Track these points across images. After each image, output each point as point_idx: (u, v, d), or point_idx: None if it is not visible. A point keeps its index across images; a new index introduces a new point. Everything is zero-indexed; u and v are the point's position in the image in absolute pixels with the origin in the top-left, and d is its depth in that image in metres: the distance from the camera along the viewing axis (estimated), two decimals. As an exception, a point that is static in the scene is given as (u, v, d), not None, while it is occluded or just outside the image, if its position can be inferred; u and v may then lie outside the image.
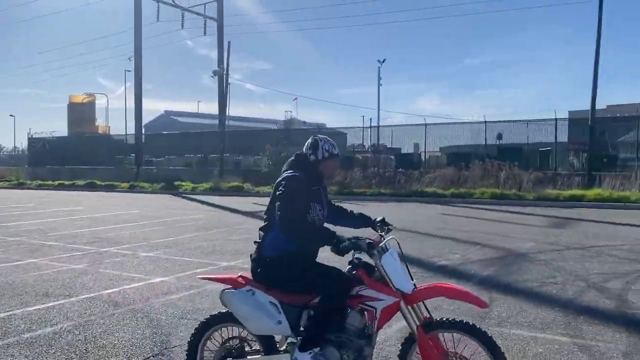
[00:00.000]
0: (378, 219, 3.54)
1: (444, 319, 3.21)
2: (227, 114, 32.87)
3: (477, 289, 6.08)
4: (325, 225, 3.45)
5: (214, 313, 3.58)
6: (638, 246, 9.33)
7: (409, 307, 3.13)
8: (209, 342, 3.54)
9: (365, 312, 3.16)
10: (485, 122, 26.36)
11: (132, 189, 28.33)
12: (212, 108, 74.57)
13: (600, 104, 26.28)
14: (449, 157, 27.33)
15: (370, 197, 21.25)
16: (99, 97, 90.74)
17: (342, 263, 3.30)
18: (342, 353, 3.12)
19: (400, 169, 25.05)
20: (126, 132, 43.31)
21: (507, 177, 21.18)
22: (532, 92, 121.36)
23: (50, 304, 5.81)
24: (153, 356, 4.31)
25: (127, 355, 4.34)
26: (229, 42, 30.37)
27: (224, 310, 3.46)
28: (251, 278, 3.37)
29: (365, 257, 3.25)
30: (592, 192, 18.85)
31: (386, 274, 3.12)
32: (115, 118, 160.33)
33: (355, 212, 3.73)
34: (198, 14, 31.65)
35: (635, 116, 23.26)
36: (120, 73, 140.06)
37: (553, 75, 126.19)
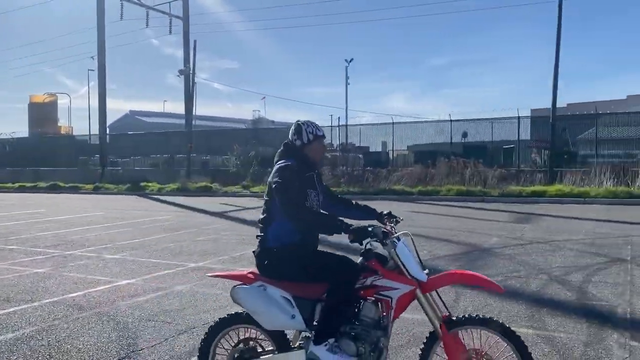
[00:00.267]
0: (385, 212, 3.50)
1: (468, 315, 3.21)
2: (194, 113, 32.54)
3: (444, 285, 6.18)
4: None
5: (222, 316, 3.50)
6: (598, 240, 9.63)
7: (426, 296, 3.13)
8: (219, 348, 3.46)
9: (380, 303, 3.15)
10: (451, 120, 26.79)
11: (96, 191, 27.75)
12: (179, 108, 73.60)
13: (561, 103, 27.05)
14: (416, 156, 27.69)
15: (339, 196, 21.30)
16: (61, 97, 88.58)
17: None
18: (358, 345, 3.08)
19: (368, 168, 25.21)
20: (90, 132, 42.49)
21: (472, 174, 21.58)
22: (497, 91, 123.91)
23: (12, 309, 5.65)
24: (119, 359, 4.25)
25: (92, 359, 4.25)
26: (194, 41, 30.09)
27: (232, 313, 3.44)
28: (260, 274, 3.32)
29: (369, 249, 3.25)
30: (553, 188, 19.38)
31: (401, 262, 3.12)
32: (78, 118, 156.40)
33: (360, 204, 3.70)
34: (163, 12, 31.24)
35: (594, 114, 23.99)
36: (83, 72, 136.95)
37: (517, 74, 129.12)
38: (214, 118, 60.76)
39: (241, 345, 3.42)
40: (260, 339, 3.43)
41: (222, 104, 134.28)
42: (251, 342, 3.43)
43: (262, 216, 3.40)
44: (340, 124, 31.32)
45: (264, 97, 52.77)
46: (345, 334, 3.12)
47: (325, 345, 3.10)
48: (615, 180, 19.19)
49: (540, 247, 8.96)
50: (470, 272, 3.41)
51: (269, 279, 3.27)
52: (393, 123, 28.24)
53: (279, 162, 3.37)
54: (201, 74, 53.03)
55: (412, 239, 3.32)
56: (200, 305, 5.75)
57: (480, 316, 3.17)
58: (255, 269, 3.39)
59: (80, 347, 4.52)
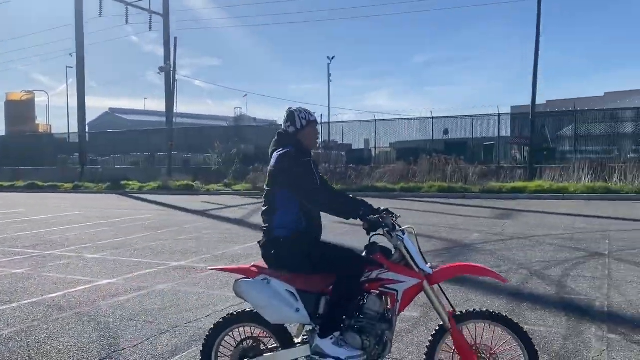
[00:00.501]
0: (382, 208, 3.48)
1: (475, 309, 3.23)
2: (175, 111, 32.27)
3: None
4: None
5: (225, 315, 3.47)
6: (577, 235, 9.79)
7: (432, 289, 3.14)
8: (221, 348, 3.44)
9: (385, 296, 3.14)
10: (432, 117, 26.96)
11: (76, 190, 27.39)
12: (159, 105, 73.01)
13: (540, 100, 27.38)
14: (398, 153, 27.82)
15: (322, 193, 21.32)
16: (39, 95, 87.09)
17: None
18: (363, 338, 3.07)
19: (351, 165, 25.27)
20: (69, 130, 41.92)
21: (453, 171, 21.77)
22: (477, 88, 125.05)
23: (-10, 311, 5.55)
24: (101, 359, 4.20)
25: (73, 359, 4.21)
26: (175, 38, 29.83)
27: (235, 312, 3.42)
28: (263, 267, 3.29)
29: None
30: (533, 184, 19.65)
31: (410, 254, 3.12)
32: (57, 116, 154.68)
33: (358, 198, 3.68)
34: (143, 9, 30.82)
35: (573, 111, 24.35)
36: (61, 69, 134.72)
37: (497, 71, 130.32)
38: (195, 116, 60.36)
39: (244, 344, 3.38)
40: (263, 337, 3.40)
41: (204, 102, 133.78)
42: (254, 341, 3.40)
43: (264, 207, 3.37)
44: (323, 121, 31.29)
45: (246, 95, 52.70)
46: (350, 327, 3.12)
47: (331, 338, 3.09)
48: (594, 176, 19.52)
49: (521, 243, 9.07)
50: (474, 264, 3.43)
51: (273, 271, 3.24)
52: (375, 120, 28.34)
53: (278, 150, 3.34)
54: (182, 71, 52.80)
55: (415, 234, 3.32)
56: (183, 304, 5.72)
57: (488, 310, 3.21)
58: (258, 262, 3.37)
59: (61, 348, 4.46)
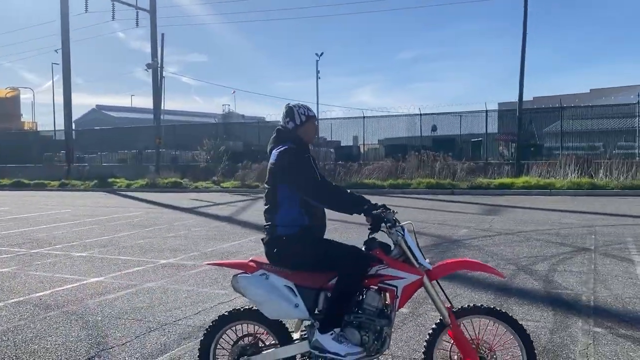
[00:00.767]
0: (379, 204, 3.47)
1: (475, 305, 3.24)
2: (162, 108, 32.05)
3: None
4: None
5: (223, 313, 3.44)
6: (563, 230, 9.89)
7: (432, 284, 3.14)
8: (219, 344, 3.41)
9: (384, 292, 3.14)
10: (421, 114, 27.05)
11: (63, 187, 27.15)
12: (147, 102, 72.46)
13: (527, 96, 27.62)
14: (386, 149, 27.92)
15: (311, 190, 21.34)
16: (24, 92, 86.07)
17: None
18: (362, 334, 3.07)
19: (340, 162, 25.31)
20: (55, 127, 41.42)
21: (441, 167, 21.88)
22: (465, 85, 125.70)
23: (-25, 310, 5.49)
24: (89, 359, 4.17)
25: (61, 359, 4.17)
26: (162, 34, 29.67)
27: (232, 309, 3.40)
28: (262, 262, 3.27)
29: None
30: (520, 180, 19.82)
31: (410, 250, 3.12)
32: (42, 113, 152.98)
33: (355, 194, 3.66)
34: (129, 5, 30.57)
35: (559, 107, 24.55)
36: (46, 66, 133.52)
37: (485, 68, 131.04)
38: (183, 112, 60.01)
39: (242, 341, 3.36)
40: (261, 334, 3.39)
41: (192, 99, 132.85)
42: (252, 338, 3.38)
43: (266, 206, 3.35)
44: (312, 118, 31.28)
45: (234, 91, 52.55)
46: (350, 323, 3.12)
47: (331, 334, 3.09)
48: (580, 171, 19.72)
49: (508, 238, 9.14)
50: (473, 260, 3.45)
51: (271, 266, 3.23)
52: (364, 117, 28.38)
53: (278, 147, 3.32)
54: (169, 67, 52.53)
55: (414, 229, 3.33)
56: (172, 302, 5.69)
57: (488, 306, 3.23)
58: (257, 257, 3.36)
59: (48, 347, 4.43)
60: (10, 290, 6.29)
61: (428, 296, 3.21)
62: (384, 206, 3.41)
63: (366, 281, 3.15)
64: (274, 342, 3.33)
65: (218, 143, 27.94)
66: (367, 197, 3.32)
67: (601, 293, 5.67)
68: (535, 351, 3.15)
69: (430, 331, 3.26)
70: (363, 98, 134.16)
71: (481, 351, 3.14)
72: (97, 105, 68.38)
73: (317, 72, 46.29)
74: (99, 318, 5.17)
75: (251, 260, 3.34)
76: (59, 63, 33.12)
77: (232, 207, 16.32)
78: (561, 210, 13.07)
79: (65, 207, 16.68)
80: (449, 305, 3.22)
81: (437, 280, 3.22)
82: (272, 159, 3.32)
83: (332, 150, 29.40)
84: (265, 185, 3.38)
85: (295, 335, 3.33)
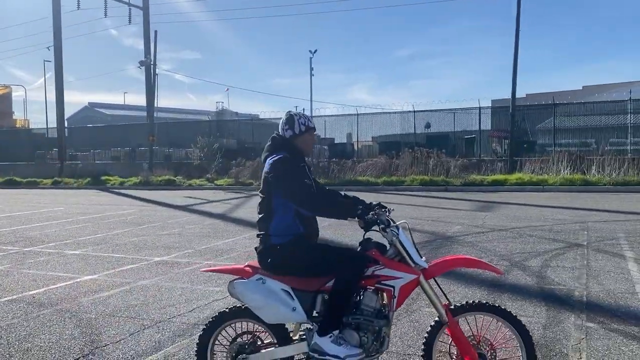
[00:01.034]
0: (375, 203, 3.47)
1: (472, 302, 3.23)
2: (155, 105, 31.95)
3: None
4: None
5: (222, 310, 3.43)
6: (556, 226, 9.94)
7: (429, 283, 3.14)
8: (218, 341, 3.41)
9: (381, 292, 3.13)
10: (414, 111, 27.11)
11: (56, 185, 27.03)
12: (140, 100, 72.12)
13: (520, 93, 27.72)
14: (380, 146, 27.94)
15: (305, 187, 21.34)
16: (16, 89, 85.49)
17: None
18: (360, 335, 3.07)
19: (333, 159, 25.32)
20: (47, 125, 41.25)
21: (435, 164, 21.93)
22: (458, 82, 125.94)
23: (-32, 309, 5.46)
24: (83, 356, 4.16)
25: (55, 357, 4.16)
26: (155, 31, 29.51)
27: (231, 307, 3.39)
28: (258, 266, 3.26)
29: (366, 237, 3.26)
30: (513, 177, 19.91)
31: (405, 249, 3.12)
32: (34, 111, 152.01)
33: (349, 195, 3.66)
34: (122, 1, 30.41)
35: (552, 104, 24.66)
36: (38, 63, 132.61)
37: (478, 65, 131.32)
38: (176, 110, 59.77)
39: (240, 339, 3.35)
40: (259, 332, 3.38)
41: (185, 96, 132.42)
42: (251, 336, 3.37)
43: (260, 215, 3.33)
44: (305, 115, 31.26)
45: (228, 89, 52.18)
46: (348, 324, 3.11)
47: (330, 337, 3.08)
48: (572, 168, 19.83)
49: (502, 234, 9.19)
50: (469, 257, 3.45)
51: (269, 273, 3.22)
52: (357, 114, 28.41)
53: (272, 156, 3.30)
54: (163, 65, 52.40)
55: (409, 227, 3.33)
56: (166, 299, 5.69)
57: (485, 303, 3.23)
58: (252, 262, 3.34)
59: (42, 345, 4.41)
60: (3, 289, 6.26)
61: (423, 293, 3.22)
62: (379, 204, 3.41)
63: (363, 282, 3.14)
64: (272, 341, 3.33)
65: (212, 140, 27.86)
66: (361, 194, 3.34)
67: (593, 288, 5.71)
68: (533, 342, 3.17)
69: (429, 329, 3.27)
70: (358, 95, 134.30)
71: (481, 348, 3.16)
72: (89, 103, 67.97)
73: (311, 69, 46.35)
74: (93, 316, 5.16)
75: (247, 265, 3.33)
76: (51, 60, 32.99)
77: (225, 204, 16.29)
78: (554, 207, 13.14)
79: (58, 205, 16.61)
80: (446, 302, 3.22)
81: (434, 278, 3.23)
82: (266, 168, 3.30)
83: (325, 147, 29.38)
84: (260, 194, 3.36)
85: (294, 337, 3.33)
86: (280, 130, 3.43)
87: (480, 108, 25.48)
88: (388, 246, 3.22)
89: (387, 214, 3.33)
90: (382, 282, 3.12)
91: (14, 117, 56.00)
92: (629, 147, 22.76)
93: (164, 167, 27.72)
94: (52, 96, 32.72)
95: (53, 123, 34.71)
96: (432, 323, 3.26)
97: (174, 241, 9.32)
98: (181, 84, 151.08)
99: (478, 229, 9.82)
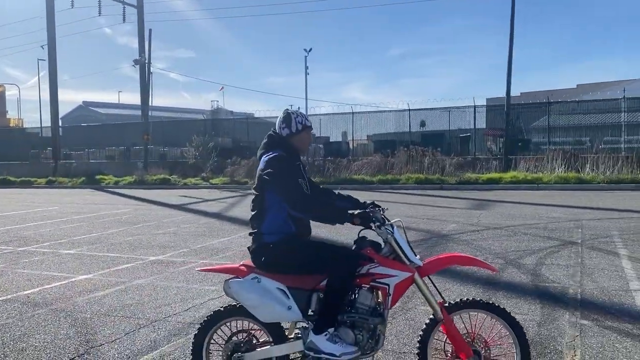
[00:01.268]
0: (368, 202, 3.47)
1: (467, 299, 3.25)
2: (150, 104, 31.85)
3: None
4: None
5: (217, 309, 3.43)
6: (551, 224, 9.98)
7: (423, 280, 3.15)
8: (213, 340, 3.40)
9: (376, 290, 3.14)
10: (409, 110, 27.12)
11: (50, 185, 26.92)
12: (134, 98, 71.91)
13: (515, 92, 27.79)
14: (376, 145, 27.94)
15: (300, 186, 21.34)
16: (9, 88, 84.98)
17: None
18: (356, 333, 3.08)
19: (329, 158, 25.30)
20: (41, 124, 41.09)
21: (430, 162, 21.96)
22: (455, 80, 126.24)
23: (-38, 309, 5.44)
24: (78, 356, 4.15)
25: (50, 357, 4.15)
26: (150, 30, 29.38)
27: (226, 305, 3.38)
28: (253, 265, 3.26)
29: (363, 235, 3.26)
30: (508, 175, 19.97)
31: (400, 248, 3.13)
32: (28, 110, 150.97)
33: (344, 194, 3.65)
34: (116, 0, 30.31)
35: (546, 103, 24.73)
36: (32, 62, 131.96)
37: (473, 64, 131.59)
38: (171, 109, 59.62)
39: (235, 338, 3.35)
40: (254, 330, 3.38)
41: (180, 95, 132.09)
42: (246, 335, 3.36)
43: (253, 212, 3.33)
44: (300, 114, 31.19)
45: (223, 87, 51.82)
46: (343, 322, 3.12)
47: (325, 335, 3.08)
48: (566, 166, 19.90)
49: (496, 232, 9.21)
50: (464, 255, 3.47)
51: (263, 272, 3.22)
52: (353, 113, 28.39)
53: (268, 154, 3.29)
54: (157, 63, 52.17)
55: (403, 226, 3.34)
56: (161, 298, 5.68)
57: (479, 300, 3.25)
58: (247, 261, 3.34)
59: (37, 344, 4.40)
60: (-2, 289, 6.23)
61: (418, 291, 3.23)
62: (373, 203, 3.42)
63: (358, 280, 3.15)
64: (268, 339, 3.33)
65: (207, 139, 27.80)
66: (356, 193, 3.34)
67: (588, 286, 5.74)
68: (527, 339, 3.18)
69: (424, 327, 3.28)
70: (353, 94, 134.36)
71: (476, 345, 3.17)
72: (84, 102, 67.74)
73: (306, 67, 46.42)
74: (88, 315, 5.14)
75: (242, 264, 3.33)
76: (45, 59, 32.78)
77: (221, 203, 16.27)
78: (548, 205, 13.19)
79: (53, 205, 16.54)
80: (440, 300, 3.23)
81: (428, 276, 3.24)
82: (261, 165, 3.29)
83: (321, 146, 29.36)
84: (254, 191, 3.36)
85: (290, 336, 3.33)
86: (277, 128, 3.42)
87: (475, 106, 25.51)
88: (383, 244, 3.23)
89: (382, 212, 3.33)
90: (377, 280, 3.12)
91: (7, 116, 55.65)
92: (622, 146, 22.84)
93: (159, 166, 27.64)
94: (46, 95, 32.66)
95: (47, 122, 34.64)
96: (427, 321, 3.27)
97: (169, 240, 9.31)
98: (176, 83, 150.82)
99: (473, 227, 9.85)
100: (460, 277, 6.20)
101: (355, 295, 3.16)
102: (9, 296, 5.91)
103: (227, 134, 32.59)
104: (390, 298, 3.12)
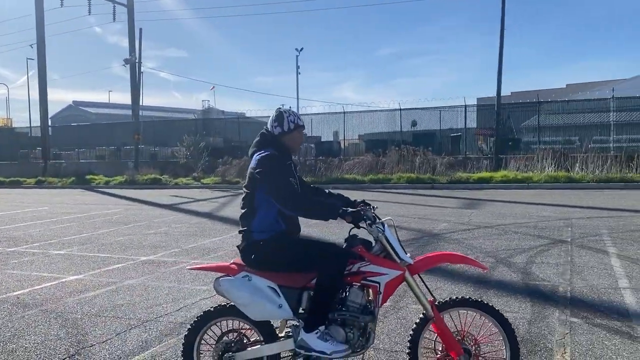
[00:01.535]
0: (359, 200, 3.48)
1: (457, 297, 3.26)
2: (141, 103, 31.69)
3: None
4: None
5: (207, 309, 3.42)
6: (541, 223, 10.05)
7: (414, 279, 3.16)
8: (204, 340, 3.39)
9: (367, 289, 3.14)
10: (400, 109, 27.19)
11: (39, 185, 26.72)
12: (125, 98, 71.53)
13: (505, 91, 27.91)
14: (367, 144, 27.98)
15: (292, 186, 21.33)
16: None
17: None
18: (346, 331, 3.09)
19: (320, 157, 25.31)
20: (30, 124, 40.78)
21: (421, 162, 22.03)
22: (446, 80, 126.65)
23: (-49, 310, 5.39)
24: (69, 357, 4.13)
25: (40, 358, 4.12)
26: (140, 29, 29.24)
27: (217, 305, 3.38)
28: (244, 264, 3.26)
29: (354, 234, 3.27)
30: (499, 174, 20.09)
31: (391, 246, 3.13)
32: (17, 110, 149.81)
33: (334, 192, 3.66)
34: (106, -1, 30.12)
35: (536, 102, 24.88)
36: (21, 61, 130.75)
37: (463, 64, 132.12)
38: (162, 108, 59.36)
39: (226, 337, 3.35)
40: (245, 330, 3.37)
41: (170, 94, 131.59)
42: (237, 334, 3.36)
43: (243, 210, 3.32)
44: (292, 113, 31.15)
45: (214, 87, 51.70)
46: (334, 320, 3.12)
47: (316, 333, 3.08)
48: (556, 165, 20.05)
49: (487, 231, 9.26)
50: (455, 253, 3.48)
51: (254, 270, 3.22)
52: (344, 112, 28.42)
53: (260, 152, 3.29)
54: (148, 63, 51.97)
55: (394, 224, 3.34)
56: (152, 298, 5.66)
57: (469, 298, 3.27)
58: (238, 259, 3.33)
59: (27, 346, 4.37)
60: (-13, 290, 6.18)
61: (409, 290, 3.24)
62: (363, 202, 3.43)
63: (349, 278, 3.16)
64: (258, 338, 3.32)
65: (198, 139, 27.71)
66: (347, 192, 3.35)
67: (577, 284, 5.79)
68: (516, 335, 3.21)
69: (414, 325, 3.29)
70: (345, 94, 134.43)
71: (466, 343, 3.19)
72: (73, 101, 67.27)
73: (297, 67, 46.38)
74: (79, 316, 5.12)
75: (233, 263, 3.32)
76: (34, 58, 32.51)
77: (212, 203, 16.23)
78: (539, 204, 13.27)
79: (42, 205, 16.42)
80: (431, 298, 3.25)
81: (419, 274, 3.25)
82: (252, 163, 3.29)
83: (312, 145, 29.36)
84: (244, 189, 3.35)
85: (281, 334, 3.33)
86: (269, 127, 3.42)
87: (466, 106, 25.63)
88: (374, 243, 3.24)
89: (372, 211, 3.35)
90: (368, 278, 3.14)
91: (-4, 116, 55.18)
92: (611, 145, 23.04)
93: (149, 166, 27.52)
94: (35, 94, 32.33)
95: (36, 122, 34.38)
96: (418, 320, 3.29)
97: (160, 240, 9.27)
98: (166, 82, 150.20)
99: (464, 226, 9.89)
100: (451, 276, 6.22)
101: (346, 293, 3.17)
102: (-2, 297, 5.86)
103: (219, 133, 32.51)
104: (381, 296, 3.13)
